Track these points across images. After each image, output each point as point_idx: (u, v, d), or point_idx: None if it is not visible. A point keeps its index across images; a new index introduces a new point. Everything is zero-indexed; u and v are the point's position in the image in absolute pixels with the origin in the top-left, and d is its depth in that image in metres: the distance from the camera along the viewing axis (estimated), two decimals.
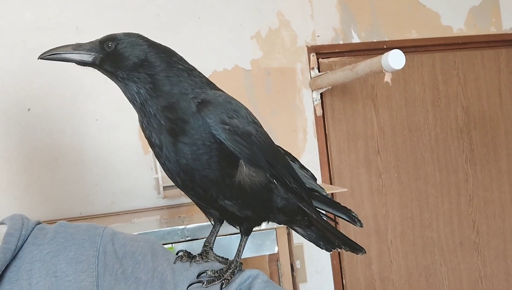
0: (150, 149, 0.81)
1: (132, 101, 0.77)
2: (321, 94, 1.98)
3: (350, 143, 2.05)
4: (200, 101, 0.74)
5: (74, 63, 0.80)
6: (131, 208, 1.70)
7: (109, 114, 1.77)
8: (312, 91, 1.97)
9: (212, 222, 0.87)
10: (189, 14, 1.88)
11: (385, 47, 2.08)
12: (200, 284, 0.74)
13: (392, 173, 2.10)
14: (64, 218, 1.66)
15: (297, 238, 1.71)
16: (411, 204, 2.13)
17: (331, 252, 1.03)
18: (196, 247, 1.26)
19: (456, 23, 2.21)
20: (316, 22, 2.02)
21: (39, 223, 0.81)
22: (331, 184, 1.98)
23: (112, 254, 0.76)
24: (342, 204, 0.92)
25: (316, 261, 1.95)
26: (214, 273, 0.76)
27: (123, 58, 0.77)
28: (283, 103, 1.95)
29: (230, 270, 0.77)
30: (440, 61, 2.19)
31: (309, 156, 1.96)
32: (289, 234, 1.30)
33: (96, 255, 0.75)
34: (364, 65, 1.57)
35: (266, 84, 1.94)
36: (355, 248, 0.96)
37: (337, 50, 2.04)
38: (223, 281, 0.75)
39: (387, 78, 1.50)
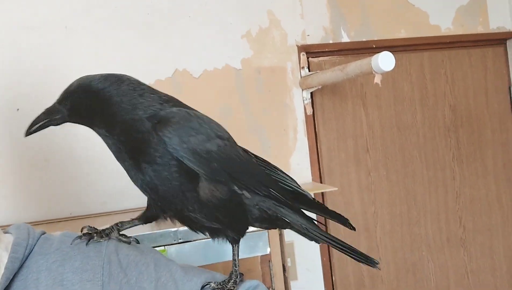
0: None
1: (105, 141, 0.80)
2: (311, 93, 2.00)
3: (340, 142, 2.07)
4: (157, 121, 0.75)
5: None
6: (123, 209, 1.70)
7: None
8: (303, 90, 1.98)
9: (140, 219, 0.88)
10: (179, 13, 1.87)
11: (374, 46, 2.10)
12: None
13: (381, 171, 2.13)
14: (54, 218, 1.66)
15: (288, 236, 1.73)
16: (399, 202, 2.16)
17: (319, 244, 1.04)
18: (189, 250, 1.27)
19: (444, 22, 2.23)
20: (306, 21, 2.02)
21: (43, 233, 0.83)
22: (321, 182, 2.00)
23: (116, 264, 0.77)
24: (330, 209, 0.95)
25: (307, 259, 1.96)
26: (217, 285, 0.78)
27: (79, 114, 0.80)
28: (274, 102, 1.96)
29: (232, 281, 0.80)
30: (428, 60, 2.22)
31: (299, 155, 1.97)
32: (281, 235, 1.31)
33: (101, 264, 0.76)
34: (354, 66, 1.59)
35: (257, 83, 1.94)
36: (362, 258, 0.97)
37: (327, 50, 2.05)
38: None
39: (377, 79, 1.52)
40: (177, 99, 0.84)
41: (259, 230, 1.31)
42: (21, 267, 0.75)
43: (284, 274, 1.30)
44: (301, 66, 1.98)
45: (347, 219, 0.97)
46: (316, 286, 1.99)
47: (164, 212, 0.85)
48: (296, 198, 0.92)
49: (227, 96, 1.91)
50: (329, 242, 0.95)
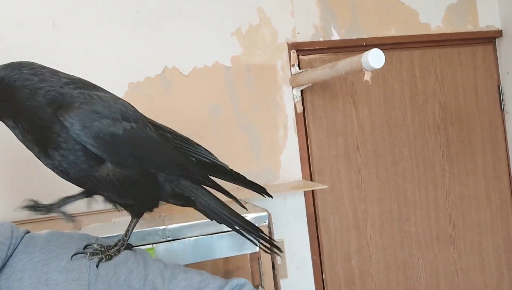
0: None
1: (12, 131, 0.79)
2: (301, 91, 1.99)
3: (330, 139, 2.07)
4: (58, 106, 0.74)
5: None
6: (111, 207, 1.68)
7: None
8: (293, 88, 1.98)
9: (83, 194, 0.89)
10: (169, 10, 1.86)
11: (364, 44, 2.09)
12: (84, 255, 0.77)
13: (371, 169, 2.13)
14: (41, 217, 1.63)
15: (277, 234, 1.72)
16: (389, 199, 2.16)
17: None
18: (177, 248, 1.26)
19: (434, 20, 2.24)
20: (297, 19, 2.02)
21: (28, 231, 0.82)
22: (311, 180, 2.00)
23: (105, 262, 0.77)
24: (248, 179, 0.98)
25: (297, 257, 1.96)
26: (100, 247, 0.79)
27: None
28: (264, 99, 1.95)
29: (116, 248, 0.81)
30: (418, 58, 2.22)
31: (289, 153, 1.97)
32: (270, 233, 1.30)
33: (88, 264, 0.76)
34: (344, 64, 1.59)
35: (247, 81, 1.93)
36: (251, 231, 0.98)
37: (317, 47, 2.05)
38: (104, 257, 0.77)
39: (367, 76, 1.51)
40: (83, 80, 0.82)
41: None
42: (4, 265, 0.74)
43: (273, 272, 1.29)
44: (292, 63, 1.97)
45: (264, 188, 0.98)
46: (306, 284, 1.99)
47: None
48: (215, 171, 0.96)
49: (217, 93, 1.90)
50: (234, 224, 0.96)
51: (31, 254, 0.76)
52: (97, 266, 0.76)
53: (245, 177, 0.98)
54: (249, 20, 1.94)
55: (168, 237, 1.25)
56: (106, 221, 1.48)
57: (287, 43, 1.99)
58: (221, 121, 1.90)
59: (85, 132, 0.74)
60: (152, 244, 1.24)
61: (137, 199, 0.84)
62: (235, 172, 0.98)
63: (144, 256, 0.82)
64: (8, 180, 1.67)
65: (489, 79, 2.33)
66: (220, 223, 0.95)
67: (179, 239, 1.25)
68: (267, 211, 1.34)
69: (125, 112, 0.82)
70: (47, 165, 0.79)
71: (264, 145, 1.94)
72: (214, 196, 0.94)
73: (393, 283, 2.16)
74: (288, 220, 1.94)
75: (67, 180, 0.81)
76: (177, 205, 0.93)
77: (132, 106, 0.86)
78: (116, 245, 0.82)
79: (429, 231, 2.21)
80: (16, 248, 0.77)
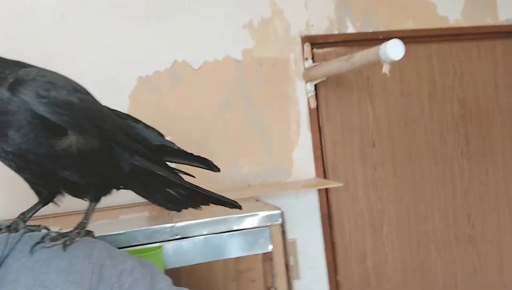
0: None
1: None
2: (315, 85, 1.93)
3: (345, 136, 2.00)
4: (11, 82, 0.72)
5: None
6: (118, 204, 1.64)
7: None
8: (306, 82, 1.91)
9: (39, 200, 0.89)
10: (178, 3, 1.80)
11: (381, 37, 2.02)
12: (45, 244, 0.74)
13: (388, 167, 2.06)
14: (47, 214, 1.59)
15: (290, 234, 1.66)
16: (406, 198, 2.09)
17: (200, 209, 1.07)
18: (186, 247, 1.20)
19: (452, 13, 2.16)
20: (310, 11, 1.95)
21: (27, 231, 0.77)
22: (325, 178, 1.93)
23: (110, 267, 0.73)
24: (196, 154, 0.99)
25: (310, 257, 1.90)
26: (59, 234, 0.76)
27: None
28: (276, 94, 1.89)
29: (77, 231, 0.79)
30: (436, 52, 2.14)
31: (302, 150, 1.90)
32: (283, 232, 1.24)
33: (91, 267, 0.71)
34: (361, 56, 1.52)
35: (258, 75, 1.87)
36: (227, 203, 1.02)
37: (331, 40, 1.98)
38: (67, 240, 0.75)
39: (385, 69, 1.45)
40: (26, 62, 0.81)
41: (260, 226, 1.25)
42: (0, 266, 0.69)
43: (287, 274, 1.23)
44: (305, 57, 1.91)
45: (211, 162, 1.01)
46: (320, 285, 1.92)
47: (39, 185, 0.85)
48: (162, 151, 0.96)
49: (227, 88, 1.85)
50: (195, 190, 0.98)
51: (29, 253, 0.71)
52: (64, 250, 0.73)
53: (192, 154, 1.00)
54: (261, 12, 1.88)
55: (177, 235, 1.19)
56: (113, 217, 1.43)
57: (300, 36, 1.93)
58: (231, 117, 1.85)
59: (42, 101, 0.72)
60: (160, 242, 1.18)
61: (98, 175, 0.83)
62: (183, 150, 1.00)
63: (152, 269, 0.79)
64: (10, 178, 1.62)
65: (509, 75, 2.24)
66: (188, 194, 0.98)
67: (188, 237, 1.20)
68: (280, 209, 1.28)
69: (76, 85, 0.83)
70: (0, 153, 0.76)
71: (275, 141, 1.88)
72: (170, 168, 0.96)
73: (409, 284, 2.08)
74: (301, 220, 1.87)
75: (15, 165, 0.78)
76: (137, 190, 0.94)
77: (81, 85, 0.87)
78: (76, 228, 0.80)
79: (447, 231, 2.13)
80: (14, 248, 0.72)
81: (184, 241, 1.19)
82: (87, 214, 0.85)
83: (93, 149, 0.79)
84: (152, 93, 1.77)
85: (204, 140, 1.82)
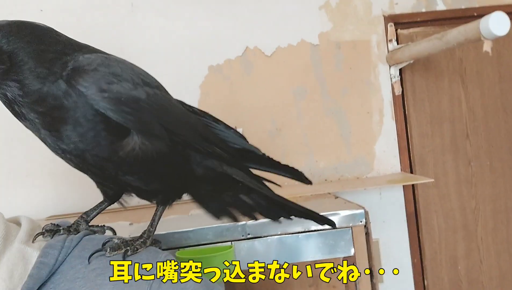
0: None
1: (5, 105, 0.65)
2: (400, 70, 1.74)
3: (434, 126, 1.80)
4: (69, 71, 0.62)
5: None
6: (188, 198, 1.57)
7: None
8: (390, 66, 1.73)
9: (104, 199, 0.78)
10: None
11: (475, 14, 1.79)
12: (105, 252, 0.64)
13: (484, 161, 1.83)
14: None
15: (373, 233, 1.50)
16: (505, 196, 1.85)
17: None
18: (258, 247, 1.10)
19: None
20: None
21: (88, 233, 0.69)
22: (411, 172, 1.75)
23: (169, 286, 0.63)
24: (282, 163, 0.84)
25: (394, 260, 1.73)
26: (121, 242, 0.65)
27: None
28: (356, 80, 1.73)
29: (141, 240, 0.68)
30: None
31: (386, 141, 1.73)
32: (368, 234, 1.10)
33: (150, 282, 0.62)
34: (457, 33, 1.32)
35: (336, 60, 1.73)
36: (317, 218, 0.87)
37: (418, 19, 1.78)
38: (128, 249, 0.64)
39: (487, 47, 1.25)
40: (92, 47, 0.70)
41: (341, 227, 1.11)
42: (54, 273, 0.61)
43: (371, 281, 1.09)
44: (389, 38, 1.73)
45: (302, 173, 0.85)
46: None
47: (103, 185, 0.76)
48: (244, 156, 0.83)
49: (302, 75, 1.72)
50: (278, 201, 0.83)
51: (86, 260, 0.63)
52: (123, 259, 0.63)
53: (279, 162, 0.84)
54: None
55: (249, 234, 1.09)
56: (183, 213, 1.36)
57: (383, 15, 1.75)
58: (307, 106, 1.72)
59: (103, 96, 0.62)
60: (231, 241, 1.09)
61: (166, 181, 0.72)
62: (268, 157, 0.85)
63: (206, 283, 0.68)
64: (55, 173, 1.61)
65: None
66: (267, 203, 0.84)
67: (260, 237, 1.09)
68: (363, 208, 1.13)
69: (146, 77, 0.71)
70: (56, 150, 0.67)
71: (355, 132, 1.72)
72: (253, 174, 0.82)
73: None
74: (384, 218, 1.70)
75: (74, 165, 0.69)
76: (210, 195, 0.80)
77: (150, 75, 0.75)
78: (141, 237, 0.69)
79: None
80: (70, 253, 0.64)
81: (256, 241, 1.09)
82: (154, 220, 0.74)
83: (159, 153, 0.68)
84: (222, 83, 1.69)
85: (277, 131, 1.71)
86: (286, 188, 0.99)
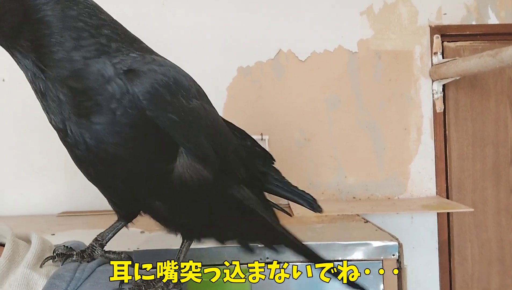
0: None
1: (26, 76, 0.55)
2: (443, 85, 1.61)
3: (476, 149, 1.66)
4: (125, 69, 0.53)
5: None
6: None
7: None
8: (433, 81, 1.61)
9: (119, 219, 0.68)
10: None
11: None
12: None
13: None
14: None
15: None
16: None
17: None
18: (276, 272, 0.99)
19: None
20: None
21: (104, 262, 0.60)
22: (447, 197, 1.62)
23: None
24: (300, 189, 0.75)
25: (422, 288, 1.60)
26: (142, 282, 0.57)
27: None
28: (395, 94, 1.61)
29: (163, 284, 0.58)
30: None
31: (422, 161, 1.61)
32: (400, 269, 0.98)
33: None
34: None
35: (375, 70, 1.61)
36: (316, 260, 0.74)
37: (468, 32, 1.65)
38: None
39: None
40: (140, 41, 0.61)
41: (369, 259, 1.00)
42: None
43: None
44: (434, 51, 1.60)
45: (315, 201, 0.75)
46: None
47: (116, 205, 0.65)
48: (265, 179, 0.74)
49: (337, 83, 1.61)
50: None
51: None
52: None
53: (297, 187, 0.75)
54: None
55: (267, 258, 0.99)
56: None
57: (429, 26, 1.62)
58: (339, 117, 1.61)
59: (162, 106, 0.53)
60: (247, 265, 0.99)
61: (196, 215, 0.62)
62: (287, 181, 0.76)
63: None
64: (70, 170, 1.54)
65: None
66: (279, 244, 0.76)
67: (280, 262, 0.99)
68: (397, 240, 1.02)
69: (199, 88, 0.62)
70: (71, 145, 0.56)
71: (390, 149, 1.60)
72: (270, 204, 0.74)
73: None
74: (414, 244, 1.58)
75: (95, 173, 0.58)
76: (226, 225, 0.70)
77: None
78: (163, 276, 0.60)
79: None
80: (80, 286, 0.55)
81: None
82: (179, 258, 0.64)
83: (205, 179, 0.58)
84: (251, 86, 1.59)
85: (305, 141, 1.60)
86: None
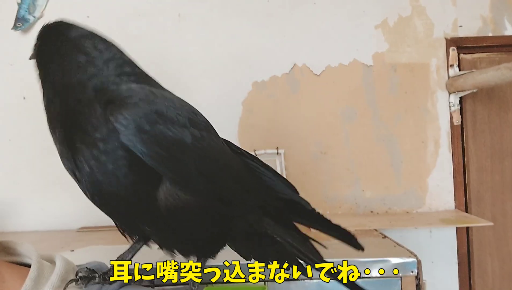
0: None
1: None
2: (460, 98, 1.60)
3: (495, 161, 1.64)
4: (106, 98, 0.54)
5: None
6: None
7: None
8: (450, 94, 1.59)
9: (135, 239, 0.68)
10: None
11: None
12: None
13: None
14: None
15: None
16: None
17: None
18: (294, 289, 0.99)
19: None
20: (459, 9, 1.62)
21: (125, 284, 0.61)
22: (466, 211, 1.59)
23: None
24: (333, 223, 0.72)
25: None
26: None
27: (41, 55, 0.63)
28: (411, 106, 1.60)
29: None
30: None
31: (440, 175, 1.59)
32: (419, 286, 0.97)
33: None
34: None
35: (391, 83, 1.60)
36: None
37: (484, 44, 1.63)
38: None
39: None
40: (146, 74, 0.63)
41: (387, 277, 0.99)
42: None
43: None
44: (450, 63, 1.59)
45: (354, 238, 0.72)
46: None
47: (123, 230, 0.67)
48: (292, 209, 0.72)
49: (352, 97, 1.60)
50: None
51: None
52: None
53: (329, 220, 0.72)
54: (398, 10, 1.61)
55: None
56: None
57: (445, 38, 1.61)
58: (355, 130, 1.60)
59: (142, 138, 0.54)
60: (264, 282, 0.98)
61: (194, 240, 0.63)
62: (317, 212, 0.73)
63: None
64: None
65: None
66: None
67: (297, 279, 0.99)
68: (416, 256, 1.01)
69: (194, 116, 0.62)
70: (68, 168, 0.59)
71: (407, 162, 1.59)
72: (300, 233, 0.72)
73: None
74: (433, 258, 1.56)
75: (93, 200, 0.60)
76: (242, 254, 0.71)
77: (199, 111, 0.65)
78: None
79: None
80: None
81: (292, 284, 0.98)
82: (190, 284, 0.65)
83: (193, 206, 0.58)
84: (266, 100, 1.60)
85: (322, 155, 1.60)
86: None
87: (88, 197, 0.61)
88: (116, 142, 0.54)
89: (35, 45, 0.64)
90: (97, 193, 0.58)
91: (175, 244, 0.63)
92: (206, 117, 0.67)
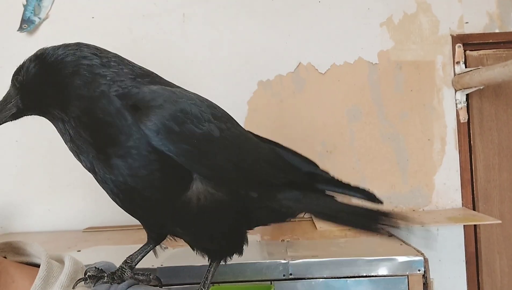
0: None
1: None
2: (467, 95, 1.58)
3: (502, 159, 1.62)
4: (131, 102, 0.54)
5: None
6: None
7: None
8: (456, 91, 1.58)
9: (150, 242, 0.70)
10: None
11: None
12: None
13: None
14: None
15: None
16: None
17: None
18: (300, 289, 0.99)
19: None
20: (465, 6, 1.61)
21: (133, 283, 0.61)
22: (474, 209, 1.58)
23: None
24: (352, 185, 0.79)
25: None
26: None
27: (30, 95, 0.61)
28: (417, 104, 1.59)
29: None
30: None
31: (447, 173, 1.58)
32: (426, 285, 0.96)
33: None
34: None
35: (396, 81, 1.60)
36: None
37: (490, 41, 1.62)
38: None
39: None
40: (155, 74, 0.63)
41: (395, 275, 0.99)
42: None
43: None
44: (456, 60, 1.58)
45: (373, 194, 0.80)
46: None
47: (148, 228, 0.68)
48: (314, 180, 0.78)
49: (358, 95, 1.60)
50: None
51: None
52: None
53: (348, 183, 0.80)
54: (403, 7, 1.60)
55: (291, 274, 0.99)
56: None
57: (451, 35, 1.60)
58: (361, 128, 1.59)
59: (173, 139, 0.54)
60: (271, 281, 0.99)
61: (222, 237, 0.63)
62: (337, 179, 0.80)
63: None
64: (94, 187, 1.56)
65: None
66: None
67: (304, 278, 0.99)
68: (423, 255, 1.00)
69: (215, 110, 0.63)
70: (103, 181, 0.60)
71: (413, 160, 1.58)
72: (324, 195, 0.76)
73: None
74: (441, 257, 1.55)
75: (120, 202, 0.61)
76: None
77: (218, 105, 0.67)
78: None
79: None
80: None
81: (299, 283, 0.98)
82: (207, 278, 0.66)
83: (221, 202, 0.59)
84: (272, 99, 1.60)
85: (327, 153, 1.60)
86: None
87: (117, 204, 0.62)
88: (149, 147, 0.55)
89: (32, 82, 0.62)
90: (128, 200, 0.59)
91: (206, 242, 0.64)
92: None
